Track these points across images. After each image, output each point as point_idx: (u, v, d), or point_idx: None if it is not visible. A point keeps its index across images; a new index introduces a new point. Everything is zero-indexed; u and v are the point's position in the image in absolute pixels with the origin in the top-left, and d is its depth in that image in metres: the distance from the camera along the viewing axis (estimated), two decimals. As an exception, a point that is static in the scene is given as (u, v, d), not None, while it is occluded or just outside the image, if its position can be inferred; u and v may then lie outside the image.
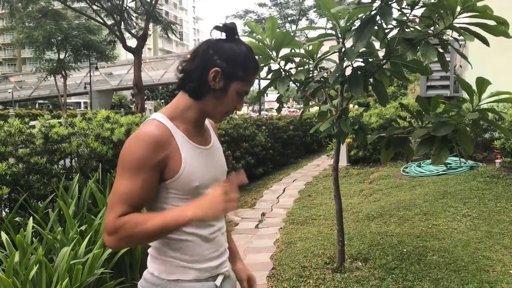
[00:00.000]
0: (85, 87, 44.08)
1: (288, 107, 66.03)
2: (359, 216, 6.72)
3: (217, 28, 1.58)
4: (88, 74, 38.78)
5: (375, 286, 4.10)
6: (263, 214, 7.54)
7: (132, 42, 28.72)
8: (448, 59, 9.95)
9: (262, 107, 53.82)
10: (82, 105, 64.59)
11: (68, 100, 42.67)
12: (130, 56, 30.17)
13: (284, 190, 9.42)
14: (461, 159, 7.21)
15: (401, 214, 6.43)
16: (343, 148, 10.82)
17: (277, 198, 8.74)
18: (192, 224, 1.51)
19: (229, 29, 1.58)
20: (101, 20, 28.16)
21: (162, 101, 65.62)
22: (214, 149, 1.74)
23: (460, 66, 11.57)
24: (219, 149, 1.80)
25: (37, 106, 59.41)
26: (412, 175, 8.70)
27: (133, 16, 29.43)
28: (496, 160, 8.17)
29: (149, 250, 1.67)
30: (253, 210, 7.83)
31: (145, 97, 43.89)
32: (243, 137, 10.34)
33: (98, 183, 4.90)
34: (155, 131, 1.50)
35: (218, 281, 1.71)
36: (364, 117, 10.45)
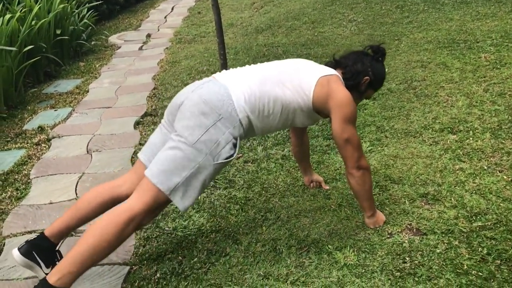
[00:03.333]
0: None
1: None
2: (248, 30, 6.46)
3: (372, 47, 2.20)
4: None
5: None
6: (148, 36, 7.03)
7: None
8: None
9: None
10: None
11: None
12: None
13: (172, 9, 8.77)
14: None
15: (290, 24, 6.25)
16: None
17: (165, 17, 8.14)
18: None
19: (382, 52, 2.19)
20: None
21: None
22: None
23: None
24: None
25: None
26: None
27: None
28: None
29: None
30: (138, 32, 7.26)
31: None
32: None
33: None
34: None
35: None
36: None
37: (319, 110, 2.02)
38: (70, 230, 1.97)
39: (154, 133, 2.06)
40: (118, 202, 1.87)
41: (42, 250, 1.90)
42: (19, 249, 1.89)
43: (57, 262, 1.92)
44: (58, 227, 1.93)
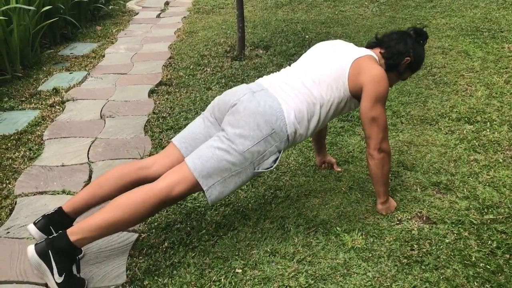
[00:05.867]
0: None
1: None
2: (268, 4, 6.37)
3: (415, 30, 2.18)
4: None
5: (271, 72, 4.01)
6: (166, 3, 6.96)
7: None
8: None
9: None
10: None
11: None
12: None
13: (192, -22, 8.65)
14: None
15: (310, 0, 6.15)
16: None
17: (184, -14, 8.04)
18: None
19: (425, 36, 2.18)
20: None
21: None
22: None
23: None
24: None
25: None
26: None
27: None
28: None
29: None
30: (156, -1, 7.19)
31: None
32: None
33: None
34: None
35: None
36: None
37: (355, 94, 2.00)
38: (89, 208, 1.94)
39: (195, 123, 2.04)
40: (144, 183, 1.87)
41: (60, 226, 1.87)
42: (35, 223, 1.87)
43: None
44: (76, 204, 1.90)
